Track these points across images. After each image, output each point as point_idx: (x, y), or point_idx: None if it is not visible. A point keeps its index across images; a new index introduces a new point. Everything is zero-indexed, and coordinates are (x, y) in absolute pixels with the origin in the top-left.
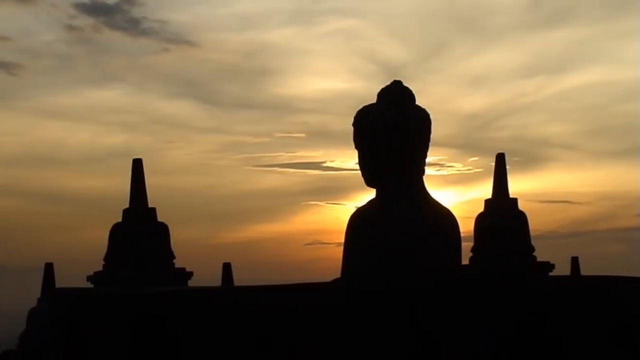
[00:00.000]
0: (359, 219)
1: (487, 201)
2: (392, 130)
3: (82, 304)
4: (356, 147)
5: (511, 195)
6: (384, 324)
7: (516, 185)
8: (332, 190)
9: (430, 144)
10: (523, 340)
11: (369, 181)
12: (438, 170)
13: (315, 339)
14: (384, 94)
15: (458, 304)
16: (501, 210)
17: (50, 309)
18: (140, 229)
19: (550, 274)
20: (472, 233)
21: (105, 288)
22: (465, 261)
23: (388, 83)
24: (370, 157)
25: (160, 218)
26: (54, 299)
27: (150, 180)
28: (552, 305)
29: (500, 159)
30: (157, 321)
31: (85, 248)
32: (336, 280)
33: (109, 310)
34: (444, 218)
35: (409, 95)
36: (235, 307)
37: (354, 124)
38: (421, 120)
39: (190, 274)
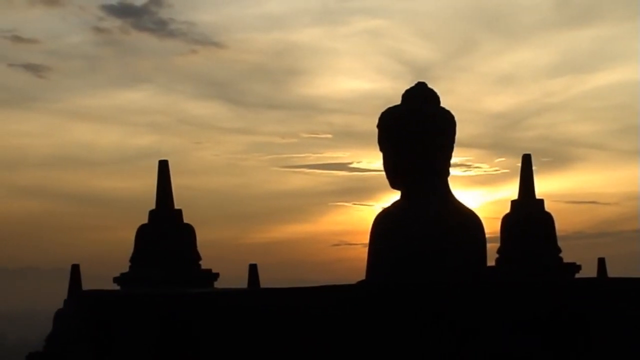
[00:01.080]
0: (384, 220)
1: (513, 202)
2: (416, 132)
3: (107, 306)
4: (381, 149)
5: (538, 196)
6: (407, 321)
7: (544, 186)
8: (358, 191)
9: (455, 145)
10: (544, 341)
11: (394, 183)
12: (465, 171)
13: (337, 338)
14: (408, 95)
15: (482, 304)
16: (527, 212)
17: (75, 311)
18: (166, 230)
19: (577, 275)
20: (498, 234)
21: (131, 289)
22: (491, 262)
23: (414, 83)
24: (394, 158)
25: (187, 219)
26: (79, 301)
27: (177, 181)
28: (575, 306)
29: (527, 160)
30: (181, 323)
31: (112, 249)
32: (361, 282)
33: (133, 312)
34: (469, 219)
35: (433, 96)
36: (257, 309)
37: (378, 126)
38: (446, 122)
39: (217, 275)
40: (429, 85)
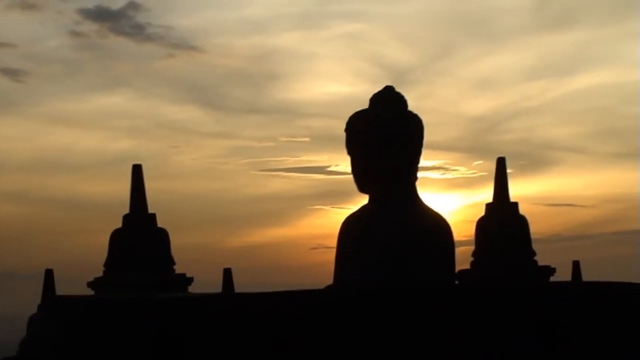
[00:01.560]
0: (351, 224)
1: (487, 205)
2: (383, 136)
3: (75, 312)
4: (348, 153)
5: (515, 199)
6: (376, 325)
7: (521, 188)
8: (337, 195)
9: (432, 148)
10: (515, 345)
11: (361, 187)
12: (443, 173)
13: (309, 342)
14: (375, 99)
15: (447, 309)
16: (501, 215)
17: (46, 317)
18: (139, 235)
19: (551, 278)
20: (474, 237)
21: (105, 294)
22: (466, 265)
23: (394, 86)
24: (361, 162)
25: (164, 223)
26: (48, 307)
27: (156, 185)
28: (547, 311)
29: (501, 163)
30: (151, 328)
31: (87, 253)
32: (329, 286)
33: (105, 318)
34: (436, 223)
35: (400, 100)
36: (227, 314)
37: (346, 130)
38: (413, 126)
39: (191, 279)
40: (407, 89)
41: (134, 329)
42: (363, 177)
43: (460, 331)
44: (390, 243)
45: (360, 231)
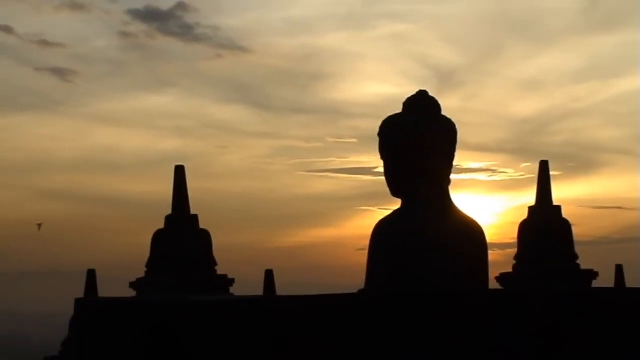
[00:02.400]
0: (382, 229)
1: (530, 208)
2: (415, 140)
3: (101, 313)
4: (382, 157)
5: (561, 201)
6: (405, 328)
7: (568, 190)
8: (383, 196)
9: (478, 150)
10: (539, 351)
11: (394, 191)
12: (490, 176)
13: (337, 343)
14: (409, 104)
15: (477, 311)
16: (544, 218)
17: (74, 317)
18: (181, 235)
19: (594, 282)
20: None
21: (146, 295)
22: (508, 268)
23: (440, 87)
24: (393, 166)
25: (209, 223)
26: (78, 308)
27: (201, 185)
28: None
29: (544, 166)
30: (172, 330)
31: (131, 253)
32: (361, 291)
33: (127, 319)
34: (469, 228)
35: (434, 105)
36: (256, 315)
37: (379, 134)
38: (445, 130)
39: (232, 280)
40: (455, 90)
41: (149, 330)
42: (395, 181)
43: (486, 333)
44: (422, 247)
45: (390, 235)
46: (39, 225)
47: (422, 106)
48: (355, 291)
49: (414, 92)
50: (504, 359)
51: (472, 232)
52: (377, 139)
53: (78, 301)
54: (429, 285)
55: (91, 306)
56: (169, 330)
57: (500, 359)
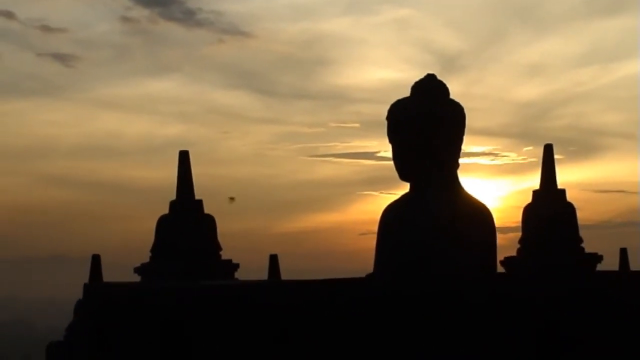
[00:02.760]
0: (391, 214)
1: (534, 192)
2: (424, 124)
3: (107, 300)
4: (390, 141)
5: (564, 185)
6: (414, 322)
7: (571, 174)
8: (386, 180)
9: (480, 137)
10: (547, 341)
11: (402, 175)
12: (493, 159)
13: (343, 335)
14: (417, 87)
15: (486, 303)
16: (548, 202)
17: (79, 303)
18: (185, 221)
19: (598, 265)
20: (521, 224)
21: (151, 280)
22: (512, 252)
23: (443, 72)
24: (402, 150)
25: (211, 209)
26: (84, 294)
27: (204, 170)
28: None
29: (548, 150)
30: (183, 316)
31: (135, 238)
32: (369, 275)
33: (137, 304)
34: (477, 212)
35: (442, 88)
36: (258, 302)
37: (387, 118)
38: (454, 114)
39: (237, 265)
40: (458, 75)
41: (156, 317)
42: (404, 165)
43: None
44: (431, 230)
45: (400, 219)
46: (232, 198)
47: (430, 90)
48: (361, 276)
49: (416, 78)
50: (508, 357)
51: (481, 216)
52: (380, 124)
53: (86, 286)
54: (439, 270)
55: (100, 291)
56: (181, 316)
57: (504, 357)
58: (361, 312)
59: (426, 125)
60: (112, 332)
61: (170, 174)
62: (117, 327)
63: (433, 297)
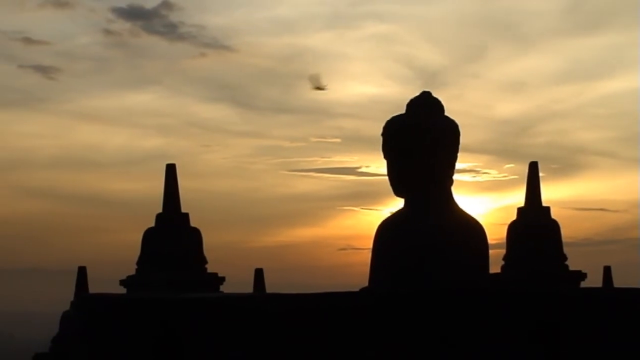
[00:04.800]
0: (386, 229)
1: (519, 209)
2: (420, 140)
3: (107, 309)
4: (385, 157)
5: (546, 203)
6: (408, 327)
7: (552, 192)
8: (366, 196)
9: (462, 151)
10: (538, 350)
11: (397, 191)
12: (473, 176)
13: (340, 342)
14: (413, 104)
15: (479, 312)
16: (533, 219)
17: (77, 313)
18: (172, 234)
19: (582, 283)
20: (504, 240)
21: (137, 292)
22: (497, 269)
23: (422, 89)
24: (397, 166)
25: (194, 222)
26: (81, 304)
27: (185, 184)
28: (565, 316)
29: (533, 168)
30: (178, 327)
31: (119, 251)
32: (363, 289)
33: (133, 315)
34: (471, 228)
35: (438, 106)
36: (258, 314)
37: (382, 134)
38: (449, 131)
39: (223, 279)
40: (438, 91)
41: (154, 328)
42: (399, 181)
43: (489, 334)
44: (425, 247)
45: (395, 235)
46: (318, 87)
47: (426, 106)
48: (341, 291)
49: (397, 93)
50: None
51: (475, 233)
52: (361, 139)
53: (79, 297)
54: (435, 286)
55: (91, 302)
56: (174, 328)
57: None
58: (358, 317)
59: (422, 141)
60: (109, 343)
61: (151, 186)
62: (114, 338)
63: (424, 298)
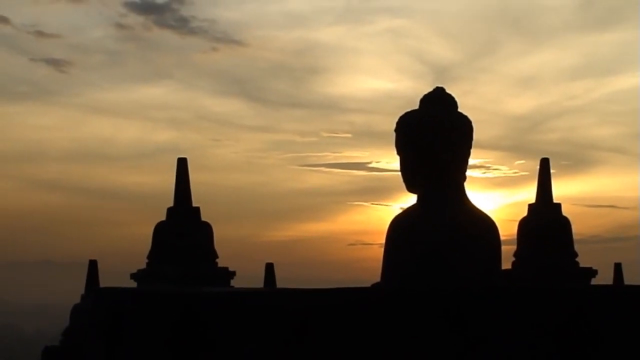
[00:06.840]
0: (399, 225)
1: (530, 205)
2: (433, 136)
3: (121, 303)
4: (398, 153)
5: (557, 200)
6: (421, 325)
7: (563, 188)
8: (377, 191)
9: (473, 147)
10: (557, 349)
11: (410, 186)
12: (484, 172)
13: (352, 339)
14: (426, 100)
15: (494, 310)
16: (544, 216)
17: (91, 306)
18: (183, 228)
19: (593, 280)
20: (515, 237)
21: (148, 286)
22: (507, 265)
23: (435, 84)
24: (411, 162)
25: (205, 216)
26: (95, 297)
27: (196, 178)
28: (589, 314)
29: (545, 164)
30: (195, 321)
31: (130, 244)
32: (375, 284)
33: (147, 309)
34: (484, 224)
35: (451, 101)
36: (271, 309)
37: (396, 129)
38: (463, 127)
39: (233, 273)
40: (450, 86)
41: (168, 322)
42: (412, 177)
43: (501, 331)
44: (438, 243)
45: (408, 231)
46: None
47: (440, 102)
48: (351, 286)
49: (409, 88)
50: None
51: (489, 228)
52: (372, 134)
53: (94, 290)
54: (448, 282)
55: (107, 295)
56: (193, 322)
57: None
58: (370, 312)
59: (436, 137)
60: (125, 337)
61: (162, 180)
62: (129, 332)
63: (437, 297)
